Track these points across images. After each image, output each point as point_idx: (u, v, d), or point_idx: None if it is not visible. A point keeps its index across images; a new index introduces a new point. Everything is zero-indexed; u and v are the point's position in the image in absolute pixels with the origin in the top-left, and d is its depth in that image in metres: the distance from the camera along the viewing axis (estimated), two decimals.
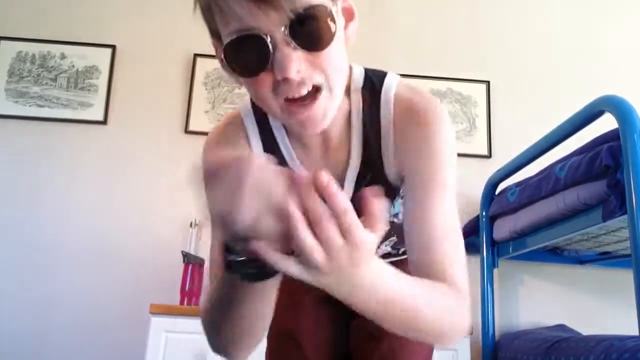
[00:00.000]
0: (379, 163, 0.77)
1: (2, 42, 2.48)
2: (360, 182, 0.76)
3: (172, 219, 2.33)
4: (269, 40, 0.61)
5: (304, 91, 0.64)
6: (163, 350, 1.82)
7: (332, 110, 0.68)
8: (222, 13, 0.64)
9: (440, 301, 0.65)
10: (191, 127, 2.43)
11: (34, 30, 2.51)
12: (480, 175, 2.23)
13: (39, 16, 2.54)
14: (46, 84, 2.45)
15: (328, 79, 0.66)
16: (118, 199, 2.35)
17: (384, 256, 0.98)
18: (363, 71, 0.79)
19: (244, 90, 1.16)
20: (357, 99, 0.77)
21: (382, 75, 0.79)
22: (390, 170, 0.77)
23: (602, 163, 1.38)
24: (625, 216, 1.29)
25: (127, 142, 2.42)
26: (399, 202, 0.84)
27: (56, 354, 2.16)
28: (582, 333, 2.02)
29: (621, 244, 1.83)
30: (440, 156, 0.72)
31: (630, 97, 1.39)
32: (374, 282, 0.56)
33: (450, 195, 0.72)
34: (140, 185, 2.38)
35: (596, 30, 2.71)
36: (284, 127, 0.79)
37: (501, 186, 2.13)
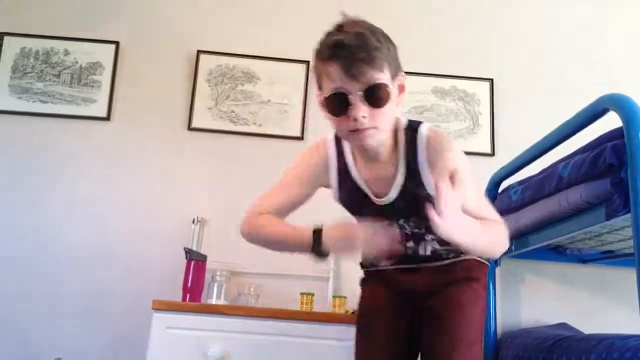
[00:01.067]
0: (418, 178, 1.18)
1: (6, 38, 2.48)
2: (405, 190, 1.19)
3: (174, 216, 2.34)
4: (350, 97, 1.06)
5: (363, 128, 1.08)
6: (165, 346, 1.83)
7: (377, 138, 1.12)
8: (328, 77, 1.08)
9: (496, 231, 1.16)
10: (194, 124, 2.43)
11: (38, 27, 2.51)
12: (483, 173, 2.23)
13: (42, 12, 2.55)
14: (50, 80, 2.46)
15: (379, 125, 1.10)
16: (121, 195, 2.36)
17: (436, 258, 1.29)
18: (407, 120, 1.21)
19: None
20: (402, 137, 1.19)
21: (418, 122, 1.21)
22: (428, 182, 1.17)
23: (605, 161, 1.37)
24: (629, 215, 1.29)
25: (131, 138, 2.42)
26: None
27: (59, 349, 2.17)
28: (583, 332, 2.02)
29: (624, 242, 1.83)
30: (458, 168, 1.06)
31: (635, 95, 1.39)
32: (467, 225, 1.02)
33: (471, 185, 1.13)
34: (143, 181, 2.38)
35: (601, 28, 2.70)
36: (352, 152, 1.24)
37: (504, 184, 2.12)
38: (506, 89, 2.56)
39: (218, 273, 2.11)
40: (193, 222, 2.29)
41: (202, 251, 2.20)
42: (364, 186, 1.23)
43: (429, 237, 1.27)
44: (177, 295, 2.07)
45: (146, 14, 2.57)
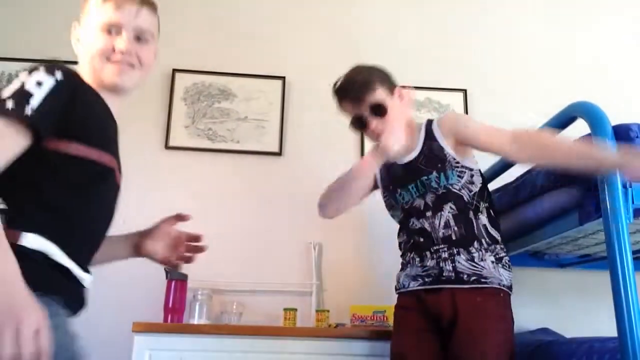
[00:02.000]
0: (434, 137, 1.56)
1: None
2: (424, 147, 1.55)
3: None
4: (363, 117, 1.56)
5: (380, 132, 1.52)
6: None
7: (395, 137, 1.48)
8: (346, 111, 1.60)
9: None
10: (171, 143, 2.42)
11: (8, 49, 2.49)
12: None
13: (13, 35, 2.52)
14: None
15: (387, 128, 1.50)
16: None
17: (458, 280, 1.44)
18: (425, 121, 1.64)
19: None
20: (423, 126, 1.61)
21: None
22: (447, 147, 1.54)
23: None
24: (601, 219, 1.32)
25: None
26: (452, 173, 1.50)
27: None
28: (565, 336, 2.04)
29: (599, 246, 1.86)
30: (468, 121, 1.61)
31: (603, 102, 1.43)
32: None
33: (477, 126, 1.58)
34: (121, 202, 2.35)
35: (570, 39, 2.78)
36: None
37: None
38: (479, 99, 2.61)
39: (199, 292, 2.09)
40: None
41: (183, 270, 2.18)
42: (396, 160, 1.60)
43: (446, 207, 1.48)
44: (158, 317, 2.04)
45: None
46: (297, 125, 2.53)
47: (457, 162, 1.52)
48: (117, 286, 2.23)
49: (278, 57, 2.60)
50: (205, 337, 1.85)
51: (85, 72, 1.13)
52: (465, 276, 1.44)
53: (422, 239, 1.51)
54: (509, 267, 1.52)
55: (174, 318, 2.03)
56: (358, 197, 1.67)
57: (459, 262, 1.45)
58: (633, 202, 1.28)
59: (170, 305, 2.04)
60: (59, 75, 1.01)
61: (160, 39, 2.56)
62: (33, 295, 0.81)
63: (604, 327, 1.79)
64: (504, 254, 1.53)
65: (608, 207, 1.27)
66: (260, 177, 2.45)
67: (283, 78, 2.55)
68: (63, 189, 1.01)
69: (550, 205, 1.58)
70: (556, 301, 2.38)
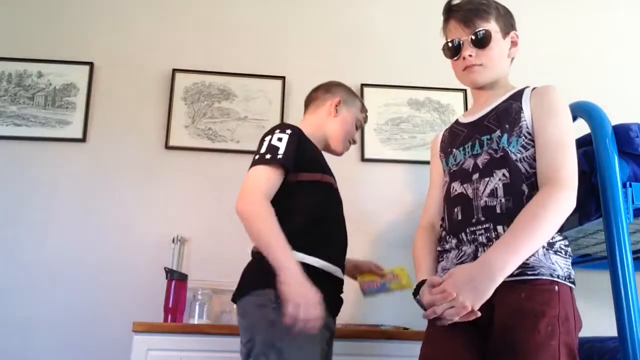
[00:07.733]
0: (519, 98, 1.33)
1: None
2: (502, 104, 1.34)
3: (154, 235, 2.31)
4: (461, 42, 1.38)
5: (470, 64, 1.36)
6: None
7: (485, 75, 1.38)
8: (447, 31, 1.45)
9: (539, 215, 1.13)
10: (171, 143, 2.42)
11: (9, 49, 2.49)
12: None
13: (14, 34, 2.52)
14: (23, 102, 2.43)
15: (484, 63, 1.36)
16: (99, 217, 2.33)
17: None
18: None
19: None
20: (514, 89, 1.39)
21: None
22: (528, 113, 1.29)
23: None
24: (601, 219, 1.32)
25: (107, 159, 2.40)
26: (517, 140, 1.25)
27: None
28: None
29: (599, 246, 1.87)
30: (556, 104, 1.28)
31: (603, 102, 1.43)
32: (500, 265, 1.10)
33: (567, 124, 1.25)
34: (121, 202, 2.36)
35: (571, 38, 2.78)
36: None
37: None
38: None
39: (199, 292, 2.10)
40: (173, 241, 2.27)
41: (183, 270, 2.18)
42: (463, 119, 1.45)
43: (498, 173, 1.23)
44: (158, 316, 2.04)
45: (120, 34, 2.56)
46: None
47: (529, 133, 1.25)
48: (117, 286, 2.23)
49: (278, 57, 2.60)
50: (205, 337, 1.85)
51: (318, 130, 1.68)
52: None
53: (459, 214, 1.26)
54: (565, 254, 1.20)
55: (174, 318, 2.03)
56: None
57: (497, 192, 1.21)
58: (633, 202, 1.29)
59: (170, 305, 2.04)
60: (289, 131, 1.49)
61: (159, 39, 2.58)
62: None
63: (604, 327, 1.80)
64: (558, 238, 1.21)
65: (608, 207, 1.27)
66: None
67: (283, 78, 2.55)
68: (309, 205, 1.48)
69: None
70: None
